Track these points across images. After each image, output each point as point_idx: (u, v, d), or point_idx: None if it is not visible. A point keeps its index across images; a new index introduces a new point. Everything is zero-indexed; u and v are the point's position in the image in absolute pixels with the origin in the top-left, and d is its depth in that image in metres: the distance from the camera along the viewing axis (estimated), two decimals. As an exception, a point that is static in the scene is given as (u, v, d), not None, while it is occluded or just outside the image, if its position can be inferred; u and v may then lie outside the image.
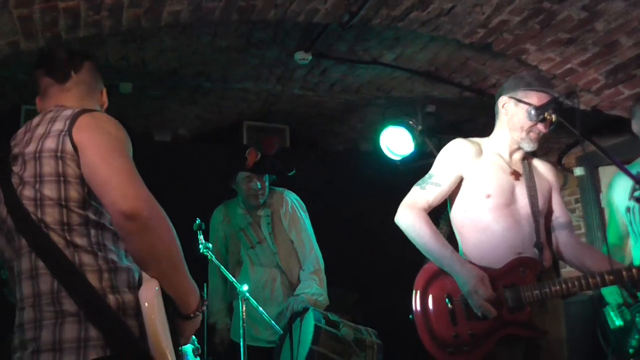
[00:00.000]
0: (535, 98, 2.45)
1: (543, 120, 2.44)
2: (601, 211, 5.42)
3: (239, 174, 3.62)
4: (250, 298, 3.20)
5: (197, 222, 3.27)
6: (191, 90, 4.39)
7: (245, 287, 3.22)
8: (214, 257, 3.25)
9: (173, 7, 2.88)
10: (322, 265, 3.59)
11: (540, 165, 2.64)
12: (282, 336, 3.29)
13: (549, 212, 2.58)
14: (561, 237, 2.57)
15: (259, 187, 3.59)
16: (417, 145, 4.58)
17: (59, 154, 1.56)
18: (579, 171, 5.95)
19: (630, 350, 2.98)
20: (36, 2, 2.48)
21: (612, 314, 3.12)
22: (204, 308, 1.69)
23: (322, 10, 3.18)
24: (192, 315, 1.62)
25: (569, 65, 3.65)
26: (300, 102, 4.81)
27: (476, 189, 2.48)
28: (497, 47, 3.60)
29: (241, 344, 3.13)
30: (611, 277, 2.30)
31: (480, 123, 5.15)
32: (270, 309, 3.44)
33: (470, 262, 2.39)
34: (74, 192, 1.56)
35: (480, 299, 2.27)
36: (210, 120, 5.00)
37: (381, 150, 4.64)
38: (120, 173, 1.51)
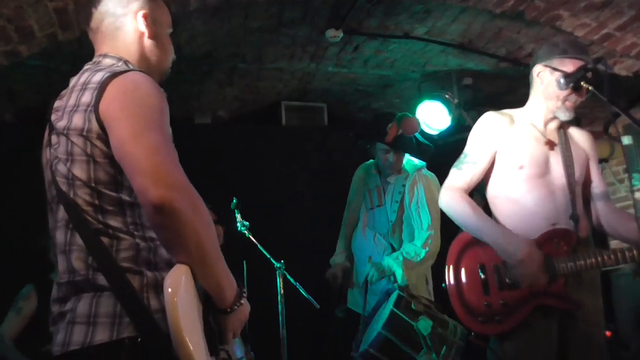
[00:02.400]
0: (571, 65, 2.37)
1: (578, 88, 2.37)
2: (651, 180, 5.29)
3: (378, 144, 3.73)
4: (287, 274, 3.30)
5: (234, 201, 3.39)
6: (227, 72, 4.49)
7: (281, 263, 3.33)
8: (251, 235, 3.35)
9: (200, -9, 2.96)
10: (434, 249, 3.57)
11: (578, 134, 2.58)
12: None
13: (587, 182, 2.54)
14: (599, 208, 2.53)
15: (392, 161, 3.70)
16: (454, 119, 4.55)
17: (84, 133, 1.44)
18: (626, 140, 5.78)
19: None
20: (70, -6, 2.60)
21: None
22: (243, 301, 1.53)
23: (347, -15, 3.21)
24: (228, 309, 1.48)
25: (605, 30, 3.56)
26: (335, 80, 4.85)
27: (509, 160, 2.46)
28: (529, 15, 3.54)
29: (280, 318, 3.24)
30: None
31: (520, 94, 4.97)
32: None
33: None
34: (103, 174, 1.44)
35: (533, 270, 2.27)
36: (248, 101, 5.09)
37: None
38: (152, 154, 1.36)
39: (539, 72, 2.48)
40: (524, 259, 2.27)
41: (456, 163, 2.54)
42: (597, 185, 2.55)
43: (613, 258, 2.27)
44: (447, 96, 4.57)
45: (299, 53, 4.28)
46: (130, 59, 1.62)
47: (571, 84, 2.37)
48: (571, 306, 2.32)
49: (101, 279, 1.42)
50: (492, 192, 2.53)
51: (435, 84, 4.80)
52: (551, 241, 2.35)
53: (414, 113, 4.66)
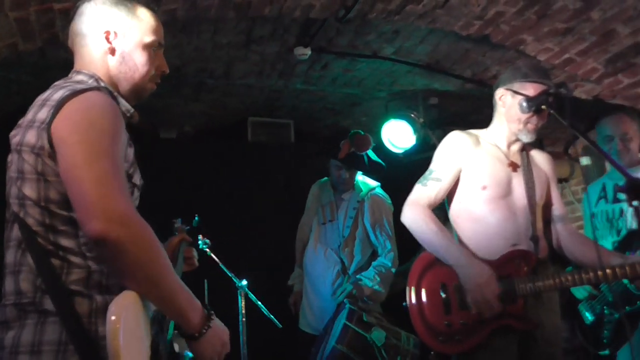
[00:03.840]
0: (532, 89, 2.43)
1: (539, 111, 2.42)
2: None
3: (332, 160, 3.86)
4: (250, 293, 3.27)
5: (195, 218, 3.33)
6: (194, 87, 4.45)
7: (244, 282, 3.29)
8: (211, 253, 3.31)
9: (169, 6, 2.93)
10: (395, 269, 3.68)
11: (539, 156, 2.64)
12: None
13: (547, 203, 2.58)
14: (558, 230, 2.58)
15: (345, 177, 3.83)
16: (419, 138, 4.59)
17: (36, 150, 1.42)
18: (585, 161, 5.92)
19: (605, 341, 3.01)
20: (31, 4, 2.54)
21: (583, 310, 3.15)
22: (212, 324, 1.48)
23: (317, 5, 3.21)
24: (196, 334, 1.44)
25: (567, 55, 3.64)
26: (303, 97, 4.85)
27: (472, 180, 2.49)
28: (494, 38, 3.60)
29: (240, 338, 3.19)
30: (605, 274, 2.28)
31: (485, 114, 5.04)
32: (322, 288, 3.67)
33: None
34: (54, 193, 1.41)
35: (487, 293, 2.27)
36: (215, 117, 5.05)
37: (383, 144, 4.67)
38: (95, 185, 1.33)
39: (502, 96, 2.53)
40: (482, 285, 2.27)
41: (421, 179, 2.56)
42: (557, 207, 2.61)
43: (570, 279, 2.31)
44: (412, 115, 4.62)
45: (267, 70, 4.27)
46: (101, 76, 1.62)
47: (533, 108, 2.42)
48: (530, 326, 2.35)
49: (47, 303, 1.38)
50: (455, 210, 2.55)
51: (403, 103, 4.85)
52: (512, 262, 2.37)
53: (380, 131, 4.71)
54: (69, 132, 1.39)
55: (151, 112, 4.72)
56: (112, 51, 1.63)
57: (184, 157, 4.79)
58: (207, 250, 3.32)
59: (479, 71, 4.27)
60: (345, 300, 3.25)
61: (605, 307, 3.06)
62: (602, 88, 3.89)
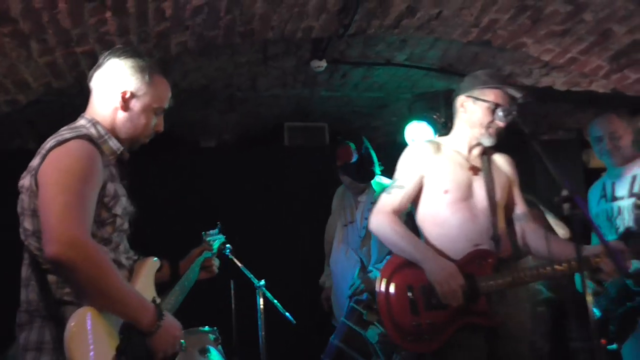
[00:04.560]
0: (492, 95, 2.56)
1: (503, 115, 2.53)
2: None
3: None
4: (267, 292, 3.58)
5: (218, 225, 3.68)
6: (226, 101, 4.81)
7: (262, 282, 3.61)
8: (233, 257, 3.63)
9: (178, 39, 3.28)
10: None
11: (500, 159, 2.75)
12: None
13: (509, 204, 2.70)
14: (520, 228, 2.70)
15: (347, 182, 4.06)
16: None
17: (29, 192, 1.77)
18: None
19: (612, 336, 3.12)
20: (57, 50, 2.96)
21: (592, 306, 3.23)
22: (162, 322, 1.78)
23: (316, 26, 3.46)
24: (149, 331, 1.75)
25: (570, 55, 3.70)
26: (331, 103, 5.10)
27: (435, 185, 2.62)
28: (495, 42, 3.72)
29: (259, 333, 3.51)
30: (562, 267, 2.42)
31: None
32: (344, 286, 3.86)
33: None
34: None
35: (453, 285, 2.41)
36: (251, 125, 5.39)
37: (407, 145, 4.84)
38: (56, 216, 1.64)
39: (463, 102, 2.65)
40: (447, 276, 2.42)
41: (387, 188, 2.71)
42: (518, 207, 2.73)
43: (529, 275, 2.45)
44: (434, 116, 4.76)
45: (290, 81, 4.56)
46: (103, 124, 1.96)
47: (508, 115, 2.53)
48: (493, 323, 2.47)
49: (46, 310, 1.74)
50: (421, 215, 2.68)
51: (426, 104, 5.00)
52: (473, 261, 2.50)
53: (403, 133, 4.89)
54: (46, 175, 1.74)
55: (190, 124, 5.13)
56: (124, 108, 1.96)
57: (224, 165, 5.15)
58: (229, 254, 3.65)
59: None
60: (349, 299, 3.49)
61: (609, 302, 3.14)
62: (612, 83, 3.91)
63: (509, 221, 2.71)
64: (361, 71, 4.46)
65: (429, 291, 2.50)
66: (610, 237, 3.22)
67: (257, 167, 5.21)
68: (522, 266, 2.61)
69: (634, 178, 3.22)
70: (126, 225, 2.00)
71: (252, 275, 3.66)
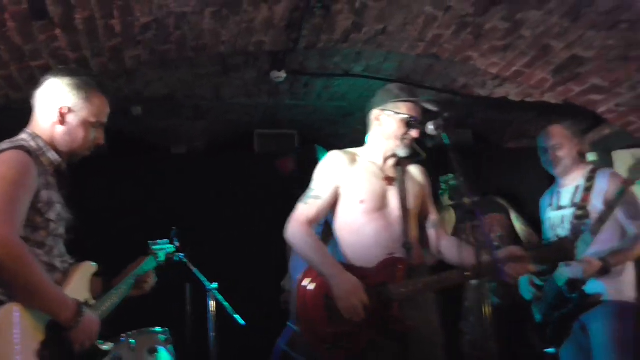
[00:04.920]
0: (404, 108, 2.67)
1: (413, 127, 2.65)
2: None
3: None
4: (218, 295, 3.72)
5: (173, 230, 3.81)
6: (193, 109, 4.95)
7: (214, 285, 3.75)
8: (187, 262, 3.77)
9: (131, 53, 3.42)
10: None
11: (414, 170, 2.84)
12: None
13: (422, 213, 2.79)
14: (432, 236, 2.80)
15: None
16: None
17: None
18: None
19: (550, 339, 3.26)
20: (11, 65, 3.10)
21: (535, 310, 3.34)
22: (82, 318, 1.98)
23: (266, 41, 3.60)
24: (69, 326, 1.95)
25: (515, 68, 3.83)
26: (299, 111, 5.24)
27: (351, 195, 2.67)
28: (443, 56, 3.85)
29: (209, 334, 3.66)
30: (468, 273, 2.51)
31: (478, 117, 5.38)
32: None
33: (347, 268, 2.58)
34: None
35: (353, 301, 2.46)
36: (221, 132, 5.53)
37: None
38: None
39: (377, 116, 2.75)
40: (349, 293, 2.47)
41: (303, 197, 2.73)
42: (431, 215, 2.82)
43: (436, 281, 2.54)
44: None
45: (254, 91, 4.70)
46: (43, 137, 2.13)
47: (414, 124, 2.65)
48: (406, 328, 2.52)
49: None
50: (338, 224, 2.74)
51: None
52: (386, 269, 2.56)
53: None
54: None
55: (161, 131, 5.28)
56: (61, 122, 2.12)
57: (194, 171, 5.28)
58: (184, 258, 3.79)
59: (448, 82, 4.51)
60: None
61: (547, 307, 3.27)
62: (560, 95, 4.05)
63: (423, 230, 2.79)
64: (322, 82, 4.60)
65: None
66: None
67: (228, 173, 5.36)
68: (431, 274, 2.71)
69: (576, 189, 3.33)
70: (61, 231, 2.15)
71: (204, 278, 3.80)
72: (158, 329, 3.67)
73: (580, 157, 3.42)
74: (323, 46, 3.73)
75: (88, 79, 2.22)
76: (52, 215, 2.07)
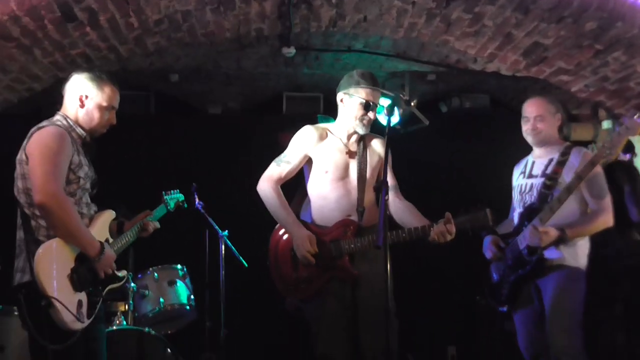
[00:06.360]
0: (363, 93, 3.15)
1: (369, 108, 3.16)
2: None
3: None
4: (228, 241, 4.51)
5: (194, 185, 4.58)
6: (223, 77, 5.62)
7: (226, 232, 4.54)
8: (203, 211, 4.54)
9: (152, 40, 4.13)
10: None
11: (376, 144, 3.30)
12: None
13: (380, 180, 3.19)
14: (389, 200, 3.14)
15: None
16: (403, 114, 5.36)
17: (20, 162, 2.62)
18: (606, 124, 6.17)
19: (504, 299, 3.51)
20: (56, 53, 3.90)
21: (492, 269, 3.64)
22: (103, 255, 2.69)
23: (265, 29, 4.20)
24: (94, 259, 2.66)
25: (489, 50, 4.23)
26: (317, 78, 5.78)
27: (318, 166, 3.22)
28: (424, 39, 4.30)
29: (220, 273, 4.47)
30: (405, 234, 3.03)
31: (478, 88, 5.74)
32: None
33: (306, 225, 3.23)
34: (29, 184, 2.61)
35: (303, 251, 3.08)
36: (252, 94, 6.15)
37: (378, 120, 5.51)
38: (39, 176, 2.51)
39: (342, 99, 3.23)
40: (300, 244, 3.11)
41: (277, 159, 3.28)
42: (389, 182, 3.10)
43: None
44: (401, 95, 5.37)
45: (271, 62, 5.30)
46: (71, 118, 2.88)
47: (371, 106, 3.15)
48: (352, 276, 3.08)
49: (28, 246, 2.66)
50: (309, 189, 3.30)
51: (399, 81, 5.61)
52: (340, 228, 3.14)
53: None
54: (32, 150, 2.64)
55: (197, 95, 6.01)
56: (82, 106, 2.83)
57: (229, 130, 5.93)
58: (201, 209, 4.56)
59: (442, 58, 4.92)
60: None
61: (506, 268, 3.47)
62: (536, 74, 4.40)
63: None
64: (330, 55, 5.13)
65: None
66: (519, 210, 3.57)
67: (257, 133, 5.95)
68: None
69: (550, 161, 3.48)
70: (88, 186, 2.88)
71: (217, 226, 4.59)
72: (178, 266, 4.56)
73: (559, 132, 3.60)
74: (315, 31, 4.28)
75: (101, 74, 2.93)
76: (81, 173, 2.80)
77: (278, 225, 3.38)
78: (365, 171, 3.25)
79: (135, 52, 4.22)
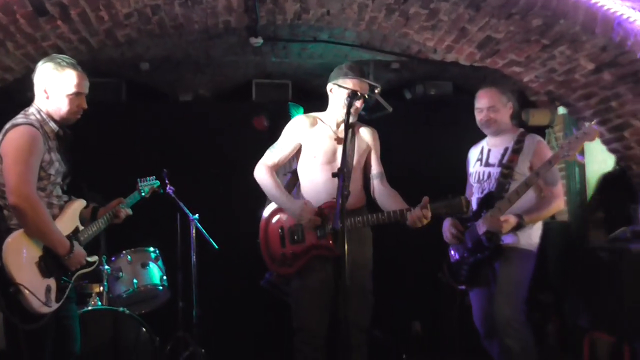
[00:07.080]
0: (351, 83, 3.37)
1: (356, 98, 3.30)
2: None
3: None
4: (198, 224, 4.71)
5: (164, 171, 4.75)
6: (193, 65, 5.77)
7: (196, 216, 4.73)
8: (174, 196, 4.73)
9: (122, 32, 4.26)
10: None
11: (364, 132, 3.53)
12: None
13: (366, 166, 3.52)
14: (374, 186, 3.51)
15: None
16: (366, 101, 5.58)
17: None
18: (562, 109, 6.46)
19: (462, 279, 3.77)
20: (28, 45, 4.02)
21: (451, 250, 3.88)
22: (72, 254, 2.86)
23: (232, 21, 4.36)
24: (63, 257, 2.84)
25: (446, 43, 4.44)
26: (285, 66, 5.97)
27: (308, 151, 3.48)
28: (384, 32, 4.51)
29: (192, 256, 4.68)
30: (384, 217, 3.27)
31: (443, 76, 5.99)
32: None
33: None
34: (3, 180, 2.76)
35: (306, 217, 3.34)
36: (222, 82, 6.31)
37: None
38: (12, 177, 2.67)
39: (331, 89, 3.48)
40: (301, 212, 3.36)
41: (272, 146, 3.54)
42: (374, 168, 3.55)
43: (360, 221, 3.30)
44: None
45: (240, 51, 5.46)
46: (43, 110, 2.98)
47: (358, 97, 3.31)
48: (334, 254, 3.20)
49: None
50: (300, 173, 3.58)
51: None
52: (325, 210, 3.37)
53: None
54: (6, 150, 2.77)
55: (168, 83, 6.14)
56: (47, 98, 2.92)
57: (200, 117, 6.08)
58: (172, 194, 4.74)
59: (404, 48, 5.15)
60: None
61: (466, 250, 3.72)
62: (491, 65, 4.64)
63: (366, 180, 3.53)
64: (297, 45, 5.32)
65: (293, 231, 3.48)
66: (477, 197, 3.82)
67: (227, 120, 6.12)
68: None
69: (505, 150, 3.72)
70: (59, 180, 3.02)
71: (188, 210, 4.78)
72: (150, 248, 4.75)
73: (512, 120, 3.85)
74: (281, 24, 4.46)
75: (63, 61, 2.97)
76: (52, 170, 2.95)
77: (267, 208, 3.63)
78: (352, 157, 3.41)
79: (106, 43, 4.35)
